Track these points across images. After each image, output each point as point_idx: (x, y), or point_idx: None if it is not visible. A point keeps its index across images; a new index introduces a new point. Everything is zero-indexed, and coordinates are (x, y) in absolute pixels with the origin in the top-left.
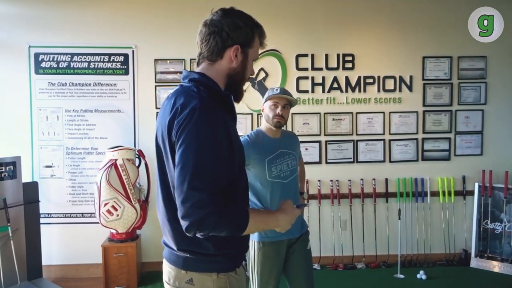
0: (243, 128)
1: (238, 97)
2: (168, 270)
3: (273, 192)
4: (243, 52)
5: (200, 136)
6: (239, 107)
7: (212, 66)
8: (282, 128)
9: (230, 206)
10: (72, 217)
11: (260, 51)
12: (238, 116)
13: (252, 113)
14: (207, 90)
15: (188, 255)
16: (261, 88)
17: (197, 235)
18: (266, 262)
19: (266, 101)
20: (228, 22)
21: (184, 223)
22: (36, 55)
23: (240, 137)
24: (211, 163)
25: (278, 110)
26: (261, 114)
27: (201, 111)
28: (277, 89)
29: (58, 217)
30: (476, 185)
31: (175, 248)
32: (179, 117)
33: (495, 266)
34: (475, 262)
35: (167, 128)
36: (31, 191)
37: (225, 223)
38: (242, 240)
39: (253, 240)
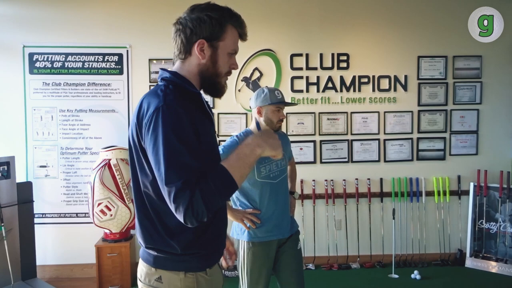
0: (238, 128)
1: (217, 92)
2: (141, 268)
3: (263, 193)
4: (211, 46)
5: (165, 135)
6: (233, 106)
7: (183, 64)
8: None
9: (207, 178)
10: (67, 217)
11: (240, 42)
12: (232, 115)
13: (246, 112)
14: (176, 88)
15: (157, 253)
16: (256, 88)
17: (204, 220)
18: (255, 262)
19: (267, 104)
20: (192, 18)
21: (181, 219)
22: (31, 55)
23: (229, 138)
24: (181, 158)
25: (281, 115)
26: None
27: (164, 111)
28: (278, 93)
29: (52, 217)
30: (471, 184)
31: (144, 245)
32: (145, 118)
33: (490, 266)
34: (470, 262)
35: (135, 128)
36: (25, 191)
37: (214, 193)
38: (213, 240)
39: (243, 240)
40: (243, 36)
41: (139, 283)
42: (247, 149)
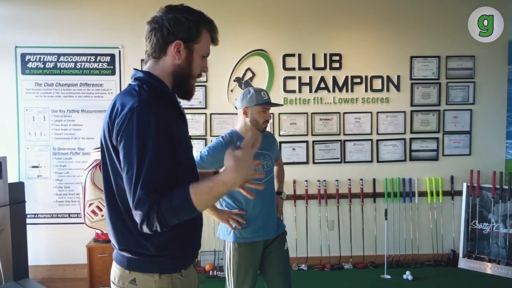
0: (230, 128)
1: (187, 94)
2: (114, 270)
3: None
4: (187, 48)
5: (138, 137)
6: (225, 107)
7: (157, 63)
8: None
9: (171, 195)
10: (59, 217)
11: (211, 47)
12: (225, 116)
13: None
14: (150, 89)
15: (130, 255)
16: None
17: (157, 229)
18: (241, 263)
19: (253, 105)
20: (170, 18)
21: (139, 221)
22: (23, 56)
23: (215, 139)
24: (154, 160)
25: (267, 116)
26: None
27: (139, 111)
28: (264, 94)
29: (45, 217)
30: (464, 185)
31: (117, 247)
32: (118, 118)
33: (483, 267)
34: (463, 263)
35: (107, 128)
36: (17, 191)
37: (170, 212)
38: (188, 241)
39: (229, 240)
40: (215, 40)
41: (112, 285)
42: (222, 188)
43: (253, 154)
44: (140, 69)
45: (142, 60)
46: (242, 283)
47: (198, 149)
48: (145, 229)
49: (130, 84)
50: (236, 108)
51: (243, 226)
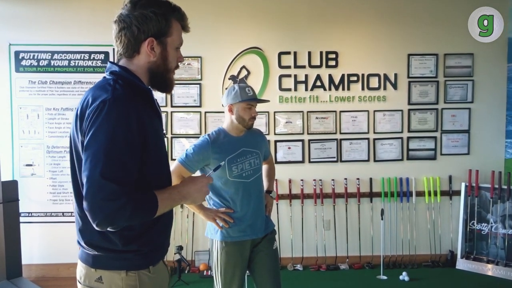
0: None
1: (167, 87)
2: (80, 269)
3: (235, 192)
4: (160, 43)
5: (109, 129)
6: (220, 105)
7: (131, 62)
8: None
9: (141, 195)
10: (53, 216)
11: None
12: (220, 114)
13: None
14: (125, 84)
15: (97, 252)
16: None
17: (108, 229)
18: (229, 262)
19: (237, 102)
20: (137, 16)
21: (94, 218)
22: (17, 53)
23: (201, 137)
24: (121, 156)
25: (253, 112)
26: None
27: (111, 104)
28: (249, 90)
29: (38, 216)
30: (463, 185)
31: (84, 244)
32: (89, 109)
33: (482, 268)
34: (461, 264)
35: (78, 120)
36: (10, 189)
37: (138, 213)
38: (156, 237)
39: (216, 239)
40: (185, 28)
41: (78, 285)
42: (177, 196)
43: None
44: (116, 62)
45: None
46: (230, 282)
47: None
48: (103, 226)
49: (104, 78)
50: (222, 106)
51: (231, 225)
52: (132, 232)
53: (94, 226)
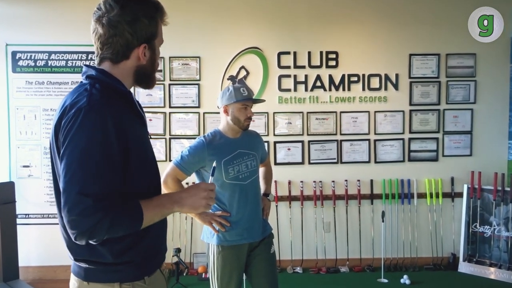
0: None
1: (150, 84)
2: (73, 282)
3: (232, 195)
4: (151, 47)
5: (85, 138)
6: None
7: (116, 66)
8: None
9: (121, 207)
10: (50, 217)
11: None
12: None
13: None
14: (103, 88)
15: (87, 265)
16: None
17: (90, 242)
18: (226, 267)
19: (232, 102)
20: (129, 21)
21: (72, 232)
22: (14, 54)
23: (197, 138)
24: (98, 168)
25: (249, 112)
26: None
27: (88, 111)
28: (243, 90)
29: (36, 217)
30: (465, 186)
31: (73, 258)
32: (66, 117)
33: (484, 271)
34: (463, 267)
35: (54, 129)
36: (7, 191)
37: (118, 226)
38: (149, 246)
39: (212, 243)
40: (165, 22)
41: None
42: (168, 202)
43: (211, 194)
44: (92, 65)
45: None
46: (226, 287)
47: None
48: (82, 239)
49: (81, 82)
50: (218, 107)
51: (227, 228)
52: (122, 244)
53: (73, 239)
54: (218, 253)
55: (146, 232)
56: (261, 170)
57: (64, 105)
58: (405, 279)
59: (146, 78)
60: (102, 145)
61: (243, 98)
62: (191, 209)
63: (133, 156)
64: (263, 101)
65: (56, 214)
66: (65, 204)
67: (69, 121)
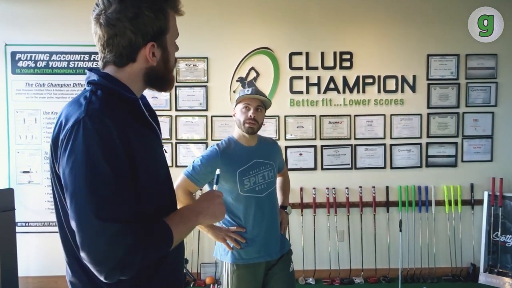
0: (232, 132)
1: (166, 87)
2: None
3: (247, 208)
4: (161, 45)
5: (87, 156)
6: (228, 109)
7: (122, 70)
8: (259, 134)
9: (148, 227)
10: (51, 225)
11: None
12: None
13: None
14: (105, 94)
15: None
16: None
17: (122, 277)
18: (241, 287)
19: (236, 103)
20: (130, 17)
21: (100, 269)
22: (13, 54)
23: (209, 147)
24: (110, 186)
25: (250, 113)
26: None
27: (85, 124)
28: (248, 90)
29: (36, 225)
30: (486, 193)
31: None
32: (63, 132)
33: (506, 283)
34: (483, 278)
35: (53, 145)
36: (6, 198)
37: (152, 250)
38: (167, 279)
39: (226, 262)
40: (180, 12)
41: None
42: (191, 214)
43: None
44: (96, 68)
45: None
46: None
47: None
48: (113, 275)
49: (84, 89)
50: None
51: (243, 245)
52: (137, 278)
53: (103, 279)
54: (233, 272)
55: (162, 262)
56: (278, 180)
57: (60, 119)
58: None
59: (160, 81)
60: (108, 161)
61: (244, 95)
62: (213, 218)
63: (141, 171)
64: (264, 97)
65: (56, 222)
66: (85, 239)
67: (66, 138)
